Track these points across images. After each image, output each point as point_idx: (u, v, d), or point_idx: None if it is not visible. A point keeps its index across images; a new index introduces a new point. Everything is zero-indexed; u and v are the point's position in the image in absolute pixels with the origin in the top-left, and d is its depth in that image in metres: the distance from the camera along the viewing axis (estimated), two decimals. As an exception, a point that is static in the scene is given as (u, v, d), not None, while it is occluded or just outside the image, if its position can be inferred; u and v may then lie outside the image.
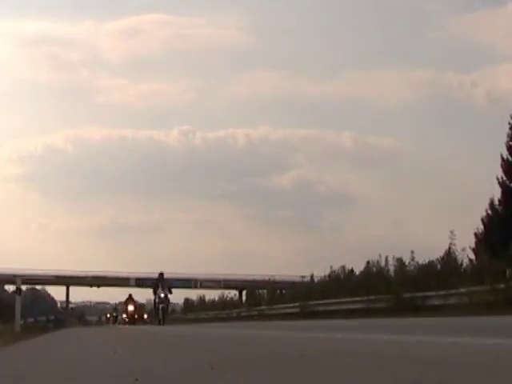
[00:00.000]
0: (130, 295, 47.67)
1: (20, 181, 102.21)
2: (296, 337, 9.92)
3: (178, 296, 54.97)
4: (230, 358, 5.76)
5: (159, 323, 27.41)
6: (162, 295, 27.93)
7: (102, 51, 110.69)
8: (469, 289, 16.76)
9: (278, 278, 41.71)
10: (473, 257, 21.65)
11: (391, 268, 23.62)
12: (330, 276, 28.70)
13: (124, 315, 54.02)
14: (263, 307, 33.57)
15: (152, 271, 63.08)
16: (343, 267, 28.42)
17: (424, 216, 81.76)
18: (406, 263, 22.35)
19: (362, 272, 26.45)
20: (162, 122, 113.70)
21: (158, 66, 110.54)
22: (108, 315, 73.25)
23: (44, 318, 42.27)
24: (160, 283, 28.40)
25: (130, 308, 46.78)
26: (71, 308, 75.31)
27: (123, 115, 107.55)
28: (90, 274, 66.82)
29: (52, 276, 64.45)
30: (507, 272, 16.09)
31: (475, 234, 25.07)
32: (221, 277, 65.23)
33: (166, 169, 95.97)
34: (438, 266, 21.25)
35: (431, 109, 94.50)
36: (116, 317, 61.96)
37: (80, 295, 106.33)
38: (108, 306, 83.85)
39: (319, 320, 21.67)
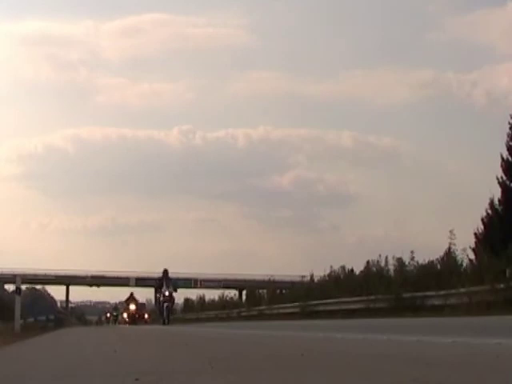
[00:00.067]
0: (132, 294, 46.81)
1: (20, 180, 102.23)
2: (296, 336, 9.92)
3: (177, 296, 54.95)
4: (230, 358, 5.76)
5: (164, 323, 26.23)
6: (167, 293, 26.61)
7: (102, 51, 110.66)
8: (469, 289, 16.76)
9: (277, 278, 41.71)
10: (473, 257, 21.65)
11: (391, 268, 23.63)
12: (329, 276, 28.71)
13: (125, 315, 53.75)
14: (263, 307, 33.58)
15: (152, 271, 63.22)
16: (343, 267, 28.45)
17: (424, 216, 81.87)
18: (406, 263, 22.37)
19: (361, 272, 26.44)
20: (161, 122, 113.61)
21: (157, 66, 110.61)
22: (108, 315, 73.24)
23: (44, 318, 42.25)
24: (164, 281, 27.01)
25: (132, 307, 45.64)
26: (71, 308, 75.28)
27: (123, 115, 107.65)
28: (90, 273, 66.86)
29: (52, 275, 64.48)
30: (507, 272, 16.09)
31: (475, 234, 25.06)
32: (221, 276, 65.26)
33: (166, 168, 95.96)
34: (438, 266, 21.26)
35: (431, 108, 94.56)
36: (116, 316, 61.90)
37: (80, 295, 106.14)
38: (108, 305, 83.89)
39: (319, 320, 21.67)
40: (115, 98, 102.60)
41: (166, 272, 27.21)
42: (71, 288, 70.11)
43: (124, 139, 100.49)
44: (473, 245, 24.08)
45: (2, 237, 79.09)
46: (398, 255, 23.08)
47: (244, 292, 47.62)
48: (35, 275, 57.26)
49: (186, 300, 56.01)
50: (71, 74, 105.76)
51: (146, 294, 63.13)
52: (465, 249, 21.22)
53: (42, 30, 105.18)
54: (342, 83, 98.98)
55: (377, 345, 6.69)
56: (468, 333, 7.80)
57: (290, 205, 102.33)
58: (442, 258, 21.33)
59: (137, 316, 45.50)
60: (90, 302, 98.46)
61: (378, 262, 24.59)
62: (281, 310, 30.03)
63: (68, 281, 67.86)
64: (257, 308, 34.09)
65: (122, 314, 57.59)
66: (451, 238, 20.81)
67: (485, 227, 25.04)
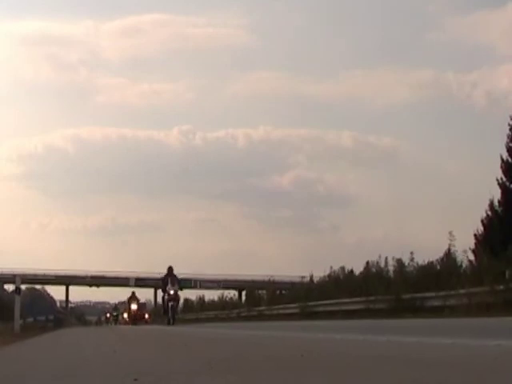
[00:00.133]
0: (134, 293, 46.11)
1: (20, 180, 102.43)
2: (296, 337, 9.92)
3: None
4: (230, 358, 5.77)
5: (168, 323, 24.95)
6: (172, 292, 25.22)
7: (102, 51, 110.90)
8: (468, 290, 16.76)
9: (277, 279, 41.70)
10: (472, 258, 21.66)
11: (391, 269, 23.65)
12: (329, 276, 28.72)
13: (125, 315, 53.42)
14: (263, 307, 33.57)
15: (152, 271, 63.25)
16: (343, 268, 28.44)
17: (424, 217, 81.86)
18: (406, 264, 22.38)
19: (361, 272, 26.45)
20: (161, 122, 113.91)
21: (157, 66, 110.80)
22: (108, 315, 73.23)
23: (43, 318, 42.24)
24: (169, 279, 25.47)
25: (133, 307, 44.73)
26: (71, 308, 75.29)
27: (123, 115, 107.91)
28: (90, 273, 66.91)
29: (52, 275, 64.51)
30: (507, 273, 16.09)
31: (475, 235, 25.08)
32: (220, 277, 65.31)
33: (166, 168, 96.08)
34: (438, 267, 21.27)
35: (431, 109, 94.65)
36: (116, 316, 61.83)
37: (79, 295, 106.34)
38: (108, 305, 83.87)
39: (319, 320, 21.67)
40: (115, 98, 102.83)
41: (170, 269, 25.79)
42: (71, 288, 70.21)
43: (124, 139, 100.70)
44: (472, 246, 24.12)
45: (2, 237, 79.24)
46: (398, 256, 23.12)
47: (243, 292, 47.59)
48: (35, 275, 57.32)
49: (186, 300, 56.01)
50: (71, 73, 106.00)
51: (145, 295, 63.28)
52: (465, 250, 21.26)
53: (42, 30, 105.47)
54: (342, 83, 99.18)
55: (377, 346, 6.69)
56: (467, 334, 7.80)
57: (290, 205, 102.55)
58: (442, 259, 21.35)
59: (138, 316, 44.79)
60: (90, 302, 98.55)
61: (377, 262, 24.63)
62: (280, 311, 30.02)
63: (68, 281, 67.90)
64: (256, 308, 34.08)
65: (122, 313, 57.49)
66: (451, 239, 20.84)
67: (484, 228, 25.05)
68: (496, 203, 25.25)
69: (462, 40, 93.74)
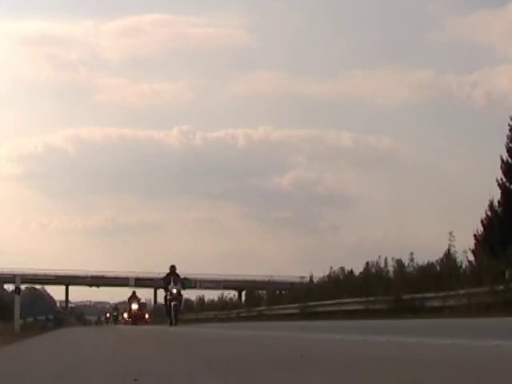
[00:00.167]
0: (134, 292, 45.65)
1: (20, 180, 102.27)
2: (295, 337, 9.92)
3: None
4: (230, 359, 5.77)
5: (171, 324, 24.00)
6: (175, 291, 24.27)
7: (102, 51, 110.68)
8: (468, 290, 16.77)
9: (277, 279, 41.73)
10: (472, 258, 21.68)
11: (390, 269, 23.67)
12: (329, 277, 28.73)
13: (125, 315, 53.27)
14: (262, 308, 33.59)
15: (151, 271, 63.23)
16: (342, 268, 28.45)
17: (424, 217, 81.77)
18: (406, 264, 22.40)
19: (361, 273, 26.46)
20: (161, 122, 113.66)
21: (157, 66, 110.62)
22: (108, 315, 73.21)
23: (43, 318, 42.24)
24: (172, 278, 24.58)
25: (134, 306, 44.13)
26: (70, 308, 75.27)
27: (123, 115, 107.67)
28: (90, 273, 66.87)
29: (52, 275, 64.48)
30: (506, 273, 16.10)
31: (475, 236, 25.09)
32: (220, 277, 65.27)
33: (166, 168, 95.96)
34: (438, 268, 21.28)
35: (431, 109, 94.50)
36: (116, 316, 61.80)
37: (79, 295, 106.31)
38: (107, 305, 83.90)
39: (318, 321, 21.68)
40: (115, 97, 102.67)
41: (173, 268, 24.95)
42: (71, 288, 70.15)
43: (124, 139, 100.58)
44: (472, 246, 24.14)
45: (2, 237, 79.15)
46: (398, 256, 23.14)
47: (243, 293, 47.60)
48: (35, 275, 57.30)
49: (185, 300, 55.98)
50: (71, 73, 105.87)
51: (145, 295, 63.24)
52: (465, 251, 21.28)
53: (42, 30, 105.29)
54: (342, 83, 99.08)
55: (376, 346, 6.70)
56: (467, 334, 7.81)
57: (290, 205, 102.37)
58: (442, 260, 21.36)
59: (138, 316, 44.25)
60: (90, 302, 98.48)
61: (377, 263, 24.65)
62: (280, 311, 30.04)
63: (68, 281, 67.88)
64: (256, 309, 34.09)
65: (122, 313, 57.45)
66: (451, 240, 20.86)
67: (484, 229, 25.06)
68: (496, 204, 25.27)
69: (462, 40, 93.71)
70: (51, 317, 45.11)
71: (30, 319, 36.07)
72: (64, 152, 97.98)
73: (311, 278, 31.42)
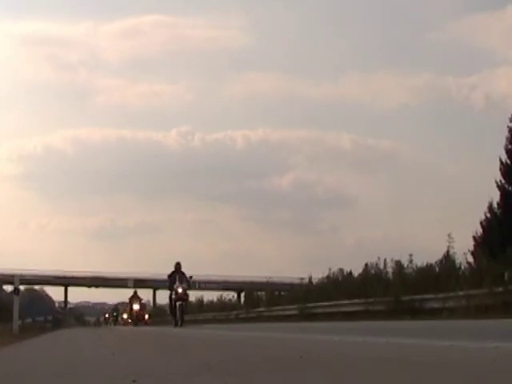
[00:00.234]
0: (136, 292, 44.91)
1: (19, 180, 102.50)
2: (294, 339, 9.92)
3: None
4: (228, 360, 5.77)
5: (176, 325, 22.67)
6: (180, 290, 22.72)
7: (101, 52, 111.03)
8: (467, 292, 16.77)
9: (276, 280, 41.69)
10: (471, 260, 21.68)
11: (390, 270, 23.64)
12: (328, 278, 28.70)
13: (124, 315, 52.89)
14: (262, 309, 33.56)
15: (150, 272, 63.23)
16: (341, 269, 28.43)
17: (423, 218, 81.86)
18: (405, 266, 22.38)
19: (360, 274, 26.44)
20: (160, 123, 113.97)
21: (157, 67, 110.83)
22: (107, 315, 73.22)
23: (42, 319, 42.23)
24: (177, 276, 23.04)
25: (136, 307, 43.10)
26: (69, 308, 75.26)
27: (122, 116, 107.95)
28: (89, 274, 66.84)
29: (50, 276, 64.47)
30: (505, 275, 16.10)
31: (474, 238, 25.10)
32: (219, 278, 65.25)
33: (165, 170, 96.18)
34: (437, 269, 21.27)
35: (430, 111, 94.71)
36: (116, 317, 61.76)
37: (78, 296, 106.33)
38: (106, 306, 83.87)
39: (317, 322, 21.67)
40: (115, 99, 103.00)
41: (178, 265, 23.38)
42: (70, 289, 70.14)
43: (123, 140, 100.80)
44: (471, 248, 24.14)
45: (1, 237, 79.24)
46: (397, 258, 23.12)
47: (242, 294, 47.56)
48: (34, 276, 57.23)
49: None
50: (71, 74, 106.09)
51: (144, 296, 63.20)
52: (465, 252, 21.28)
53: (41, 31, 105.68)
54: (341, 85, 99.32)
55: (376, 347, 6.70)
56: (466, 336, 7.81)
57: (289, 206, 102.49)
58: (441, 261, 21.35)
59: (139, 317, 43.52)
60: (89, 302, 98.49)
61: (376, 264, 24.63)
62: (279, 312, 30.01)
63: (66, 281, 67.85)
64: (255, 310, 34.07)
65: (121, 314, 57.35)
66: (450, 241, 20.85)
67: (483, 230, 25.08)
68: (495, 205, 25.29)
69: (462, 43, 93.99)
70: (50, 318, 45.11)
71: (29, 320, 36.08)
72: (63, 153, 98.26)
73: (310, 279, 31.40)
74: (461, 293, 17.05)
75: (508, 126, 25.85)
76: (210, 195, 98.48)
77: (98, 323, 71.85)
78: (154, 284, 63.99)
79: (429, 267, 21.63)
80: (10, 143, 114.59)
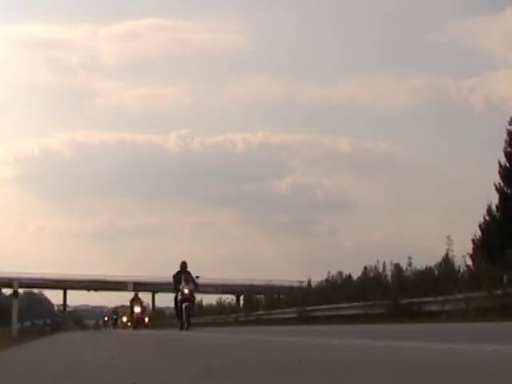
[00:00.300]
0: (137, 294, 44.55)
1: (17, 183, 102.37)
2: (294, 342, 9.93)
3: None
4: (228, 363, 5.78)
5: (182, 327, 21.37)
6: (187, 291, 21.27)
7: (100, 55, 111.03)
8: (466, 295, 16.77)
9: (275, 283, 41.68)
10: (470, 263, 21.69)
11: (388, 273, 23.63)
12: (327, 281, 28.70)
13: (124, 318, 52.67)
14: (261, 312, 33.55)
15: (149, 275, 63.15)
16: (340, 272, 28.43)
17: (422, 221, 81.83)
18: (404, 269, 22.38)
19: (359, 277, 26.43)
20: (160, 126, 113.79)
21: (156, 70, 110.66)
22: (106, 318, 73.14)
23: (41, 322, 42.24)
24: (183, 276, 21.55)
25: (137, 309, 42.57)
26: (68, 312, 75.18)
27: (121, 119, 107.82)
28: (88, 277, 66.75)
29: (49, 279, 64.36)
30: (504, 278, 16.11)
31: (473, 240, 25.12)
32: (218, 281, 65.17)
33: (164, 173, 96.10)
34: (436, 272, 21.27)
35: (429, 114, 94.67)
36: (116, 320, 61.65)
37: (77, 299, 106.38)
38: (106, 310, 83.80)
39: (317, 325, 21.67)
40: (113, 101, 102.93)
41: (184, 265, 21.91)
42: (69, 292, 70.03)
43: (122, 143, 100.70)
44: (470, 251, 24.16)
45: (-1, 240, 79.06)
46: (396, 261, 23.11)
47: (241, 297, 47.52)
48: (32, 279, 57.13)
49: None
50: (69, 77, 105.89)
51: (143, 299, 63.10)
52: (464, 255, 21.30)
53: (40, 33, 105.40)
54: (340, 88, 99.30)
55: (375, 350, 6.70)
56: (465, 339, 7.82)
57: (288, 209, 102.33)
58: (440, 264, 21.36)
59: (140, 320, 43.08)
60: (88, 306, 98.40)
61: (375, 267, 24.63)
62: (278, 316, 30.00)
63: (65, 285, 67.76)
64: (254, 313, 34.05)
65: (121, 317, 57.24)
66: (449, 244, 20.86)
67: (482, 233, 25.10)
68: (494, 208, 25.31)
69: (461, 45, 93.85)
70: (49, 321, 45.09)
71: (28, 323, 36.08)
72: (61, 155, 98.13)
73: (309, 282, 31.38)
74: (460, 296, 17.05)
75: (507, 129, 25.90)
76: (209, 198, 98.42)
77: (97, 326, 71.77)
78: (153, 287, 63.94)
79: (428, 270, 21.64)
80: (7, 145, 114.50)
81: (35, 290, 60.47)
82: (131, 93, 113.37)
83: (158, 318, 52.90)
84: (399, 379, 4.09)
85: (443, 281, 19.23)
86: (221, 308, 43.07)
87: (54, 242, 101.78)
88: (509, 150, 25.71)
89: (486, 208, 25.32)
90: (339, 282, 28.07)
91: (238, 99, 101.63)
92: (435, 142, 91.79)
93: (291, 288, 35.68)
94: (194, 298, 22.19)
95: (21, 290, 30.31)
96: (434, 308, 18.19)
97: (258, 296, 39.04)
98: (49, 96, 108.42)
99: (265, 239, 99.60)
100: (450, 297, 17.46)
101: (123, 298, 52.55)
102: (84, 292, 70.33)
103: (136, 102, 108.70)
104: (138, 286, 61.43)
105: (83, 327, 66.18)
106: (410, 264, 21.98)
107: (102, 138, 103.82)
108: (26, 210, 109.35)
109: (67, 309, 73.53)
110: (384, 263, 24.10)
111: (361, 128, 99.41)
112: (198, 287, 22.08)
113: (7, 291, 38.82)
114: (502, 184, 25.41)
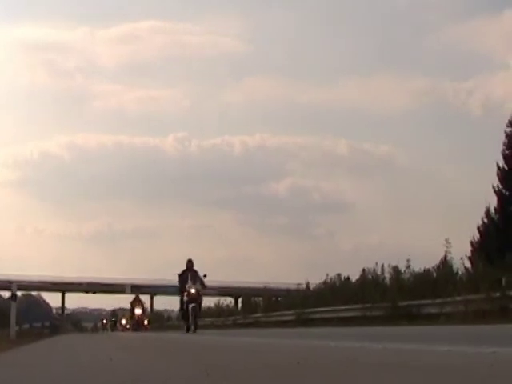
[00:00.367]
0: (138, 296, 44.10)
1: (16, 186, 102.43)
2: (292, 344, 9.91)
3: (174, 303, 54.89)
4: (226, 366, 5.77)
5: (188, 330, 19.88)
6: (193, 291, 19.85)
7: (98, 57, 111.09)
8: (464, 297, 16.77)
9: (273, 286, 41.67)
10: (469, 265, 21.69)
11: (387, 276, 23.65)
12: (325, 283, 28.71)
13: (123, 321, 52.42)
14: (259, 315, 33.54)
15: (148, 277, 63.12)
16: (339, 275, 28.44)
17: (420, 223, 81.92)
18: (402, 271, 22.38)
19: (357, 280, 26.44)
20: (157, 129, 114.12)
21: (154, 73, 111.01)
22: (104, 321, 73.07)
23: (39, 324, 42.19)
24: (189, 275, 20.24)
25: (138, 311, 41.77)
26: (67, 314, 75.14)
27: (119, 121, 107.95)
28: (86, 280, 66.71)
29: (48, 282, 64.32)
30: (503, 280, 16.11)
31: (471, 243, 25.14)
32: (216, 284, 65.09)
33: (162, 175, 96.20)
34: (434, 274, 21.27)
35: (427, 116, 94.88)
36: (115, 322, 61.61)
37: (75, 301, 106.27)
38: (104, 312, 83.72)
39: (315, 328, 21.66)
40: (111, 104, 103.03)
41: (190, 264, 20.75)
42: (67, 295, 69.98)
43: (120, 146, 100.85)
44: (469, 253, 24.16)
45: (-2, 243, 79.03)
46: (394, 263, 23.12)
47: (240, 299, 47.53)
48: (31, 282, 57.11)
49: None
50: (68, 80, 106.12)
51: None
52: (462, 258, 21.30)
53: (38, 37, 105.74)
54: (339, 91, 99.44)
55: (373, 353, 6.70)
56: (464, 341, 7.81)
57: (286, 212, 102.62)
58: (438, 267, 21.36)
59: (141, 322, 42.50)
60: (86, 308, 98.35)
61: (374, 269, 24.63)
62: (277, 318, 29.99)
63: (64, 287, 67.70)
64: (252, 316, 34.04)
65: (120, 320, 57.21)
66: (447, 247, 20.86)
67: (481, 236, 25.11)
68: (492, 210, 25.32)
69: (459, 48, 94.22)
70: (47, 323, 45.04)
71: (26, 326, 36.04)
72: (60, 158, 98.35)
73: (307, 284, 31.39)
74: (458, 298, 17.05)
75: (505, 132, 25.92)
76: (207, 200, 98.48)
77: (95, 329, 71.74)
78: (151, 290, 63.91)
79: (426, 272, 21.64)
80: (6, 149, 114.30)
81: (34, 293, 60.46)
82: (129, 95, 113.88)
83: (156, 320, 52.87)
84: (398, 381, 4.08)
85: (442, 283, 19.23)
86: (219, 310, 43.05)
87: (53, 245, 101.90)
88: (507, 152, 25.72)
89: (484, 210, 25.34)
90: (338, 284, 28.09)
91: (236, 101, 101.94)
92: (433, 145, 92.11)
93: (289, 290, 35.67)
94: (201, 298, 20.64)
95: (19, 293, 30.30)
96: (433, 310, 18.19)
97: (256, 298, 39.05)
98: (47, 99, 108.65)
99: (263, 242, 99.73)
100: (449, 299, 17.46)
101: (122, 300, 52.53)
102: (82, 294, 70.33)
103: (134, 105, 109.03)
104: (136, 289, 61.44)
105: (81, 330, 66.15)
106: (408, 266, 22.00)
107: (101, 140, 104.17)
108: (25, 213, 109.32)
109: (65, 311, 73.50)
110: (382, 265, 24.13)
111: (360, 130, 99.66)
112: (206, 287, 20.76)
113: (6, 294, 38.79)
114: (500, 186, 25.42)
